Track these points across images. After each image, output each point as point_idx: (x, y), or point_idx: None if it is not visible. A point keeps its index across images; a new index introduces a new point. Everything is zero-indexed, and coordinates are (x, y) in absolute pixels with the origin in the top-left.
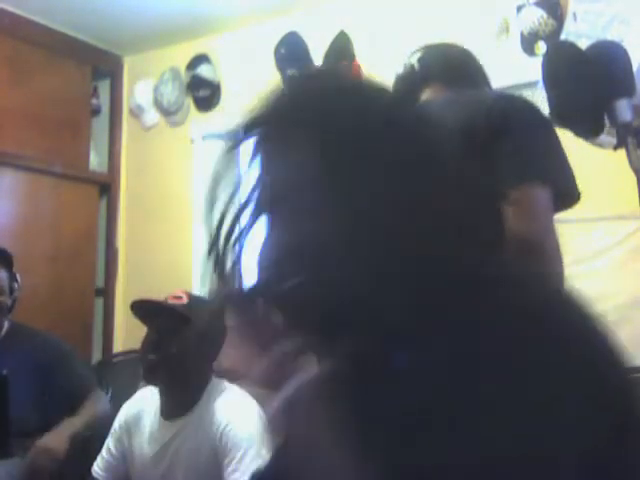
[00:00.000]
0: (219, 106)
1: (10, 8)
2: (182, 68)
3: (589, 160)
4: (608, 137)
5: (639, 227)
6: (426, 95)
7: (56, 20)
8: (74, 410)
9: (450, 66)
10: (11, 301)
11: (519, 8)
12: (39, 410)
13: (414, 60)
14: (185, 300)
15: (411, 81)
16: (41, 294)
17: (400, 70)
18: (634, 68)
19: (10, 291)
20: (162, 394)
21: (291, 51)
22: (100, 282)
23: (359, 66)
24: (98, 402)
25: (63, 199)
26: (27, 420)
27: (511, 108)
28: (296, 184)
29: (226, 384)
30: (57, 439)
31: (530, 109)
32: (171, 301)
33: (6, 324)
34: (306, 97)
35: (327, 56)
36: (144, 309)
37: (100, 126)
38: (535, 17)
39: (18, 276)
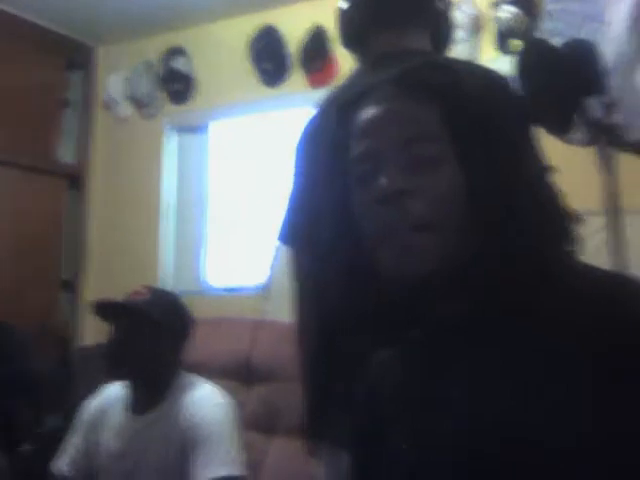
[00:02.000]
0: (193, 99)
1: None
2: (156, 60)
3: (556, 156)
4: (579, 133)
5: (605, 224)
6: (378, 40)
7: (28, 10)
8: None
9: (403, 5)
10: None
11: (494, 5)
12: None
13: None
14: (147, 295)
15: (357, 19)
16: (6, 287)
17: (344, 4)
18: (605, 67)
19: None
20: (129, 389)
21: (266, 45)
22: (67, 275)
23: (336, 62)
24: None
25: (29, 191)
26: None
27: None
28: (419, 135)
29: (195, 378)
30: None
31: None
32: (132, 297)
33: None
34: (425, 65)
35: (303, 51)
36: (105, 308)
37: (72, 118)
38: (510, 14)
39: None
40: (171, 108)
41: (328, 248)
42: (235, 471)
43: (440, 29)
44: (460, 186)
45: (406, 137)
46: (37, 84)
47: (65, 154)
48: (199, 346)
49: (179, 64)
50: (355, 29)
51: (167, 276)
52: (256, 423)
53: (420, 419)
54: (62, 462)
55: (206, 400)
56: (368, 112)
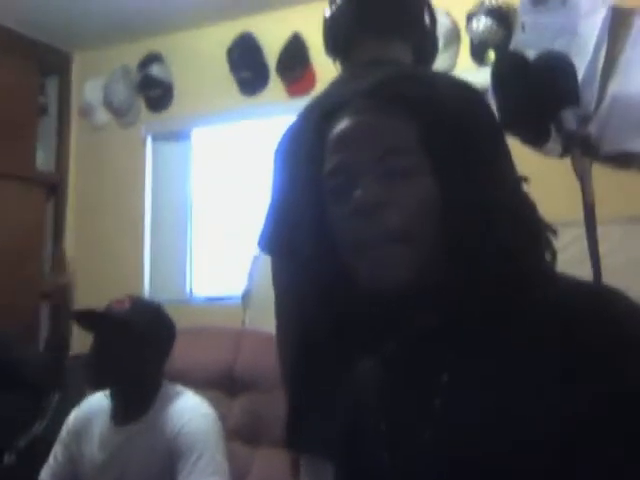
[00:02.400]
0: (171, 106)
1: None
2: (133, 67)
3: (533, 167)
4: (554, 145)
5: (581, 234)
6: (360, 48)
7: (1, 15)
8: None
9: (386, 14)
10: None
11: (469, 17)
12: None
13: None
14: (128, 305)
15: (341, 27)
16: None
17: (327, 12)
18: (578, 79)
19: None
20: (112, 399)
21: (244, 53)
22: (47, 285)
23: (314, 71)
24: None
25: (8, 200)
26: None
27: None
28: (394, 148)
29: (179, 388)
30: None
31: None
32: (113, 307)
33: None
34: (401, 77)
35: (281, 59)
36: (85, 318)
37: (48, 125)
38: (485, 27)
39: None
40: (149, 115)
41: (306, 258)
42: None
43: (424, 43)
44: (435, 198)
45: (380, 149)
46: (12, 91)
47: (43, 162)
48: (181, 356)
49: (156, 71)
50: (339, 36)
51: (150, 285)
52: (240, 434)
53: (400, 429)
54: (46, 474)
55: (190, 410)
56: (341, 125)
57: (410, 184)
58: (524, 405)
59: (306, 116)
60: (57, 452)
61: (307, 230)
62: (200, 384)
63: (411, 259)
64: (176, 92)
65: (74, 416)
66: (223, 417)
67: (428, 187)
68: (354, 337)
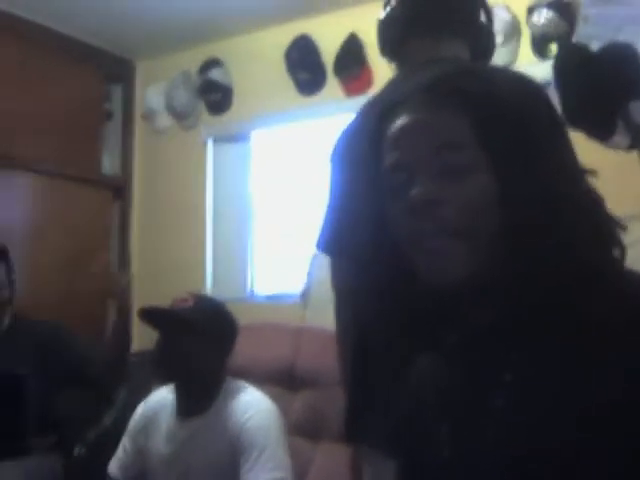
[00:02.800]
0: (230, 109)
1: (23, 14)
2: (193, 72)
3: (600, 160)
4: (621, 138)
5: None
6: (415, 48)
7: (68, 26)
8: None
9: (441, 13)
10: (9, 294)
11: (530, 10)
12: (51, 404)
13: (398, 2)
14: (191, 303)
15: (396, 29)
16: (55, 297)
17: (382, 14)
18: None
19: (9, 284)
20: (177, 394)
21: (302, 54)
22: (113, 285)
23: (371, 69)
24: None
25: (77, 202)
26: (41, 417)
27: None
28: (451, 143)
29: (242, 383)
30: None
31: None
32: (177, 305)
33: (7, 318)
34: (458, 72)
35: (338, 59)
36: (150, 315)
37: (113, 130)
38: (546, 19)
39: (14, 269)
40: (209, 119)
41: (366, 255)
42: (282, 476)
43: (480, 39)
44: (492, 194)
45: (436, 146)
46: (80, 98)
47: (109, 166)
48: (243, 352)
49: (216, 75)
50: (393, 38)
51: (211, 284)
52: (301, 429)
53: (462, 426)
54: (114, 466)
55: (253, 406)
56: (399, 122)
57: (467, 180)
58: (587, 405)
59: (363, 116)
60: (125, 445)
61: (367, 227)
62: (261, 380)
63: (468, 255)
64: (235, 95)
65: (141, 410)
66: (284, 412)
67: (485, 183)
68: (412, 332)
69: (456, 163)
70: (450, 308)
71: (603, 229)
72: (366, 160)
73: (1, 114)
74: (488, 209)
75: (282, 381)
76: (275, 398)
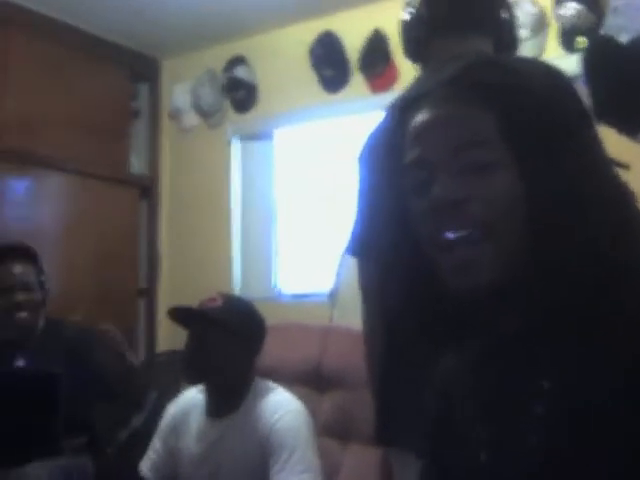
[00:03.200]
0: (255, 107)
1: (50, 13)
2: (219, 70)
3: (626, 155)
4: None
5: None
6: (439, 47)
7: (95, 25)
8: (115, 396)
9: (464, 11)
10: (42, 295)
11: (558, 2)
12: (82, 405)
13: (422, 2)
14: (220, 302)
15: (420, 30)
16: (85, 294)
17: (406, 16)
18: None
19: (40, 286)
20: (206, 394)
21: (326, 51)
22: (143, 283)
23: (396, 66)
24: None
25: (106, 201)
26: (73, 418)
27: None
28: (473, 140)
29: (271, 384)
30: None
31: None
32: (206, 304)
33: (41, 320)
34: (482, 63)
35: (363, 55)
36: (180, 315)
37: (140, 129)
38: (574, 11)
39: (45, 270)
40: (235, 117)
41: (389, 256)
42: (311, 477)
43: (503, 34)
44: (518, 192)
45: (458, 143)
46: (108, 97)
47: (136, 164)
48: (270, 352)
49: (241, 73)
50: (417, 38)
51: (239, 283)
52: (330, 430)
53: (500, 431)
54: (145, 466)
55: (282, 406)
56: (420, 117)
57: (490, 177)
58: (628, 411)
59: (389, 115)
60: (156, 445)
61: (389, 225)
62: (289, 380)
63: (494, 257)
64: (260, 92)
65: (171, 410)
66: (313, 413)
67: (510, 180)
68: (438, 334)
69: (479, 160)
70: (473, 311)
71: (633, 225)
72: (388, 157)
73: (31, 114)
74: (513, 207)
75: (310, 381)
76: (303, 398)
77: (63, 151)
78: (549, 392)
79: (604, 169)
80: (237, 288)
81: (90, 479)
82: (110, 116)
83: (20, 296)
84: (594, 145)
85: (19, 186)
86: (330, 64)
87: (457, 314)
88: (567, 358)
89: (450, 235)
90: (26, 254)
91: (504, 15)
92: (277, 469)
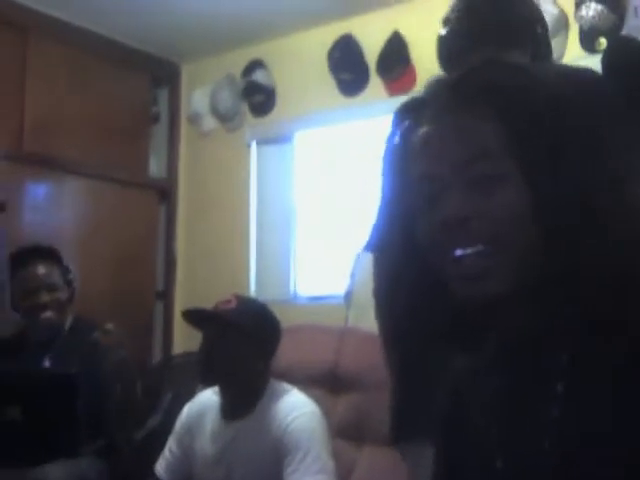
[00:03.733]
0: (273, 111)
1: (70, 19)
2: (238, 74)
3: None
4: None
5: None
6: (475, 61)
7: (115, 30)
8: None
9: (501, 25)
10: (69, 294)
11: (578, 3)
12: (100, 406)
13: (459, 18)
14: (234, 304)
15: (457, 44)
16: (103, 297)
17: (443, 30)
18: None
19: (67, 284)
20: (221, 395)
21: (345, 54)
22: (160, 285)
23: (414, 69)
24: None
25: (124, 205)
26: (91, 418)
27: None
28: (480, 153)
29: (286, 385)
30: None
31: None
32: (221, 307)
33: (69, 319)
34: (490, 64)
35: (381, 58)
36: (194, 317)
37: (159, 133)
38: (595, 12)
39: (71, 268)
40: (253, 120)
41: (399, 261)
42: (325, 478)
43: (539, 50)
44: (525, 202)
45: (464, 158)
46: (128, 102)
47: (156, 168)
48: (285, 354)
49: (259, 77)
50: (454, 53)
51: (255, 285)
52: (345, 432)
53: (514, 434)
54: (161, 466)
55: (297, 408)
56: (425, 130)
57: (498, 192)
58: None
59: (394, 121)
60: (171, 445)
61: (400, 229)
62: (304, 382)
63: (504, 267)
64: (278, 96)
65: (186, 411)
66: (327, 415)
67: (517, 191)
68: (449, 338)
69: (487, 174)
70: (485, 315)
71: None
72: (393, 161)
73: (51, 119)
74: (522, 218)
75: (325, 383)
76: (318, 400)
77: (83, 155)
78: (563, 396)
79: (622, 175)
80: (253, 290)
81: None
82: (130, 121)
83: (45, 297)
84: (617, 151)
85: (39, 191)
86: (348, 67)
87: (468, 318)
88: (582, 362)
89: (459, 252)
90: (49, 255)
91: (539, 30)
92: (291, 470)
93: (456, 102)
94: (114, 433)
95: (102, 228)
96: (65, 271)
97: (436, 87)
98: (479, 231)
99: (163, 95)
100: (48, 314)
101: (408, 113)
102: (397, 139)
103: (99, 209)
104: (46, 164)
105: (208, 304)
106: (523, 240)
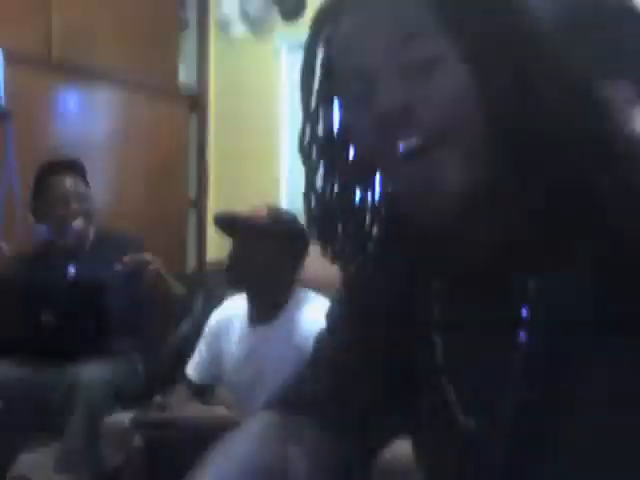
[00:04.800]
0: (305, 16)
1: None
2: None
3: None
4: None
5: None
6: None
7: None
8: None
9: None
10: (89, 206)
11: None
12: (130, 313)
13: None
14: (265, 214)
15: None
16: (136, 206)
17: None
18: None
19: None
20: (249, 301)
21: None
22: (192, 194)
23: None
24: None
25: (155, 114)
26: (123, 320)
27: None
28: (415, 32)
29: (311, 294)
30: None
31: None
32: (252, 214)
33: (92, 230)
34: None
35: None
36: (225, 222)
37: (188, 40)
38: None
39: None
40: (284, 26)
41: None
42: None
43: None
44: (471, 91)
45: (395, 40)
46: (155, 8)
47: (185, 77)
48: (313, 264)
49: None
50: None
51: (287, 198)
52: None
53: (476, 390)
54: (191, 368)
55: (321, 314)
56: (345, 22)
57: (437, 75)
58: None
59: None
60: (201, 348)
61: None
62: (330, 291)
63: (456, 166)
64: (309, 1)
65: (215, 317)
66: None
67: (460, 77)
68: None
69: (422, 55)
70: (442, 244)
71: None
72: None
73: (78, 27)
74: (468, 108)
75: None
76: None
77: (112, 63)
78: (526, 344)
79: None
80: (285, 201)
81: (140, 381)
82: (158, 27)
83: (75, 205)
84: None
85: (69, 99)
86: None
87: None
88: (547, 292)
89: (404, 145)
90: (74, 167)
91: None
92: None
93: None
94: (146, 335)
95: (133, 138)
96: (87, 184)
97: None
98: (423, 120)
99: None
100: (79, 222)
101: (319, 20)
102: (318, 49)
103: (129, 118)
104: (75, 73)
105: (241, 211)
106: (471, 131)
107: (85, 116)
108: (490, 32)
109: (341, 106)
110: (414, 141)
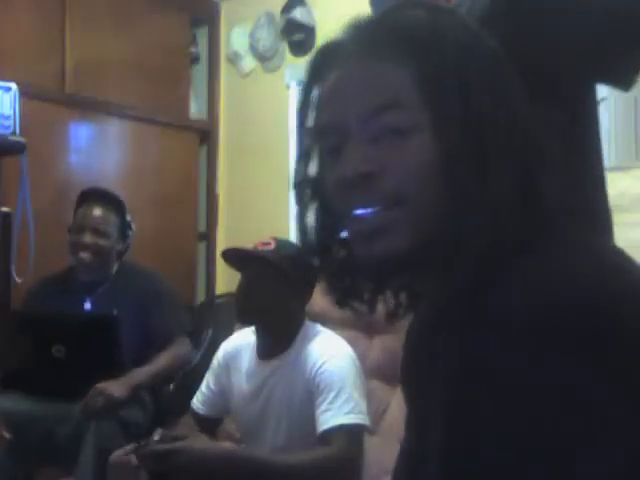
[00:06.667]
0: (313, 50)
1: None
2: (277, 12)
3: None
4: None
5: None
6: None
7: None
8: (159, 351)
9: None
10: (117, 245)
11: None
12: (141, 351)
13: None
14: (273, 246)
15: None
16: (147, 239)
17: None
18: None
19: (121, 236)
20: (258, 335)
21: None
22: (202, 227)
23: None
24: (177, 350)
25: (166, 147)
26: (134, 358)
27: None
28: (387, 103)
29: (319, 327)
30: (118, 386)
31: None
32: (260, 247)
33: (110, 268)
34: (390, 16)
35: None
36: (233, 256)
37: (199, 74)
38: None
39: (132, 223)
40: (293, 60)
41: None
42: (357, 419)
43: None
44: (433, 156)
45: (373, 106)
46: (167, 42)
47: (196, 110)
48: (321, 297)
49: (299, 15)
50: None
51: (294, 228)
52: (379, 372)
53: (419, 418)
54: (198, 401)
55: (330, 349)
56: (332, 77)
57: (407, 143)
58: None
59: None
60: (209, 381)
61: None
62: (338, 324)
63: (405, 226)
64: (318, 35)
65: (223, 349)
66: (362, 357)
67: (426, 144)
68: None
69: (395, 125)
70: (386, 279)
71: (538, 188)
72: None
73: (92, 60)
74: (429, 174)
75: (359, 325)
76: (353, 342)
77: (124, 97)
78: (448, 378)
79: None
80: (293, 233)
81: (149, 414)
82: (170, 61)
83: (87, 238)
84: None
85: (82, 132)
86: (389, 3)
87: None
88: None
89: (359, 212)
90: (112, 202)
91: None
92: (323, 409)
93: (367, 47)
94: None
95: (144, 170)
96: (123, 223)
97: (350, 30)
98: (381, 188)
99: (202, 35)
100: (85, 255)
101: (322, 59)
102: (310, 89)
103: (141, 151)
104: (88, 106)
105: (248, 245)
106: (429, 195)
107: (97, 149)
108: (464, 104)
109: (318, 154)
110: (370, 208)
